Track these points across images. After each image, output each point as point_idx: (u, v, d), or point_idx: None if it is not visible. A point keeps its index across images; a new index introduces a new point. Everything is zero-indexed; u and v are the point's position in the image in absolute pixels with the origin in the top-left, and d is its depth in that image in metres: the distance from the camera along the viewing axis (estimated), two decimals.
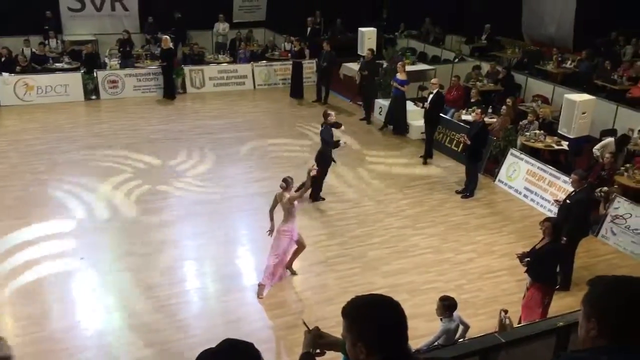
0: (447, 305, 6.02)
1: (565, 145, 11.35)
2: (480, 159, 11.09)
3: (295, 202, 7.59)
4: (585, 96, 11.14)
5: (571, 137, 10.82)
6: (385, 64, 15.72)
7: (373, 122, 14.67)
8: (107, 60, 16.85)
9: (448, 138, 12.77)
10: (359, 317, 2.22)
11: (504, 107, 12.66)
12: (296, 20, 19.31)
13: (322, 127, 10.41)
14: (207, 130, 13.75)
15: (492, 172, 11.60)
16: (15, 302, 7.42)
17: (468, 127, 11.57)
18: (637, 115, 12.48)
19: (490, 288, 8.01)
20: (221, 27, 19.43)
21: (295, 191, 7.70)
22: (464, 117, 12.99)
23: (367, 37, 15.41)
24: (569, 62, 16.65)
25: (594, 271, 8.20)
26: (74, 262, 8.32)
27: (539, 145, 11.54)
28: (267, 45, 19.43)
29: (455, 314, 6.08)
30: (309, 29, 19.66)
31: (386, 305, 2.22)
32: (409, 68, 14.65)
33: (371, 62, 14.75)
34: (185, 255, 8.71)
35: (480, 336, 5.00)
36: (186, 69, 16.88)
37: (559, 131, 11.19)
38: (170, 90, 16.08)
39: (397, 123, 13.91)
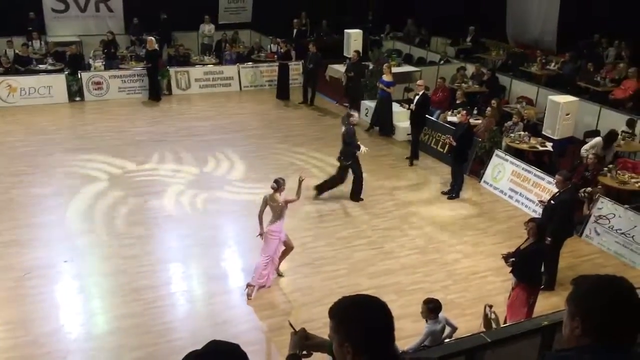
0: (431, 308, 6.04)
1: (549, 146, 11.45)
2: (465, 160, 11.16)
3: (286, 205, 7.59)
4: (569, 98, 11.26)
5: (555, 138, 10.93)
6: (371, 66, 15.76)
7: (359, 123, 14.67)
8: (91, 61, 16.72)
9: (434, 139, 12.82)
10: (346, 317, 2.22)
11: (488, 108, 12.74)
12: (282, 21, 19.31)
13: (344, 127, 10.37)
14: (193, 132, 13.69)
15: (478, 173, 11.67)
16: None
17: (453, 128, 11.64)
18: (620, 116, 12.62)
19: (476, 288, 8.05)
20: (207, 28, 19.37)
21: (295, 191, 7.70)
22: (449, 118, 13.06)
23: (353, 38, 15.46)
24: (553, 64, 16.80)
25: (578, 271, 8.26)
26: (57, 265, 8.23)
27: (524, 146, 11.63)
28: (253, 46, 19.40)
29: (440, 315, 6.10)
30: (295, 30, 19.67)
31: (373, 306, 2.23)
32: (394, 70, 14.70)
33: (357, 64, 14.79)
34: (170, 257, 8.66)
35: (466, 336, 5.02)
36: (172, 70, 16.80)
37: (543, 132, 11.30)
38: (156, 92, 15.99)
39: (383, 124, 13.95)
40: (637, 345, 2.14)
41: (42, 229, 9.18)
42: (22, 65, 16.06)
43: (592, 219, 9.44)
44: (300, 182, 7.84)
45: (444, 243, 9.27)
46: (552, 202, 8.09)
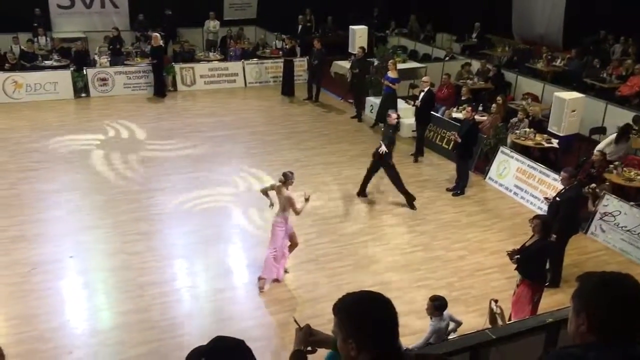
0: (437, 305, 6.04)
1: (555, 143, 11.42)
2: (470, 156, 11.13)
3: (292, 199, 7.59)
4: (575, 94, 11.21)
5: (561, 135, 10.90)
6: (376, 62, 15.74)
7: (364, 120, 14.69)
8: (96, 57, 16.74)
9: (439, 136, 12.80)
10: (350, 313, 2.22)
11: (494, 105, 12.71)
12: (287, 18, 19.28)
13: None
14: (198, 129, 13.70)
15: (483, 170, 11.65)
16: (4, 301, 7.36)
17: (459, 125, 11.61)
18: (626, 113, 12.55)
19: (481, 285, 8.04)
20: (212, 24, 19.36)
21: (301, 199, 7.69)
22: (454, 115, 13.03)
23: (358, 35, 15.43)
24: (559, 60, 16.72)
25: (583, 268, 8.25)
26: (63, 260, 8.27)
27: (529, 143, 11.60)
28: (258, 43, 19.39)
29: (445, 312, 6.10)
30: (300, 26, 19.65)
31: (377, 302, 2.23)
32: (400, 66, 14.67)
33: (362, 60, 14.76)
34: (175, 253, 8.68)
35: (471, 333, 5.02)
36: (177, 66, 16.81)
37: (548, 129, 11.27)
38: (161, 88, 16.01)
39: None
40: None
41: (47, 225, 9.22)
42: (27, 62, 16.10)
43: (597, 216, 9.41)
44: (306, 200, 7.69)
45: (449, 240, 9.25)
46: (557, 199, 8.07)
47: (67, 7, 18.84)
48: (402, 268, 8.40)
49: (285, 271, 8.13)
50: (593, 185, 9.54)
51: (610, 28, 17.19)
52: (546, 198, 8.81)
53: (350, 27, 16.02)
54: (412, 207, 10.14)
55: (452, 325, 6.16)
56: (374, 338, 2.16)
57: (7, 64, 15.43)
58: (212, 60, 17.70)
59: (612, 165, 10.25)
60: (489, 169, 11.50)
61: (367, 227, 9.55)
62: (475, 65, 16.39)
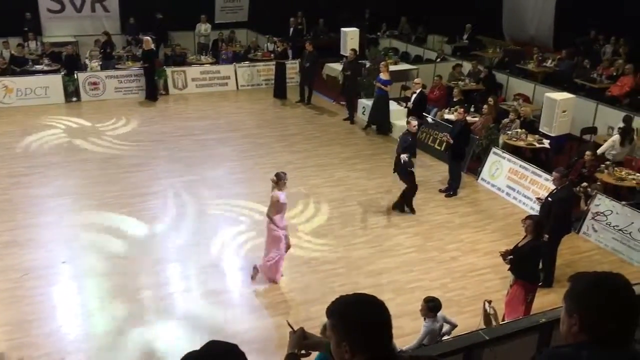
0: (431, 307, 6.04)
1: (546, 143, 11.47)
2: (462, 157, 11.16)
3: (283, 200, 7.59)
4: (566, 95, 11.27)
5: (552, 135, 10.95)
6: (368, 64, 15.76)
7: (356, 122, 14.70)
8: (87, 61, 16.69)
9: (431, 137, 12.83)
10: (343, 316, 2.22)
11: (485, 106, 12.75)
12: (278, 20, 19.28)
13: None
14: (190, 132, 13.67)
15: (475, 171, 11.68)
16: None
17: (450, 126, 11.65)
18: (616, 113, 12.62)
19: (475, 286, 8.06)
20: (203, 27, 19.34)
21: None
22: (446, 116, 13.06)
23: (350, 37, 15.45)
24: (550, 61, 16.80)
25: (576, 268, 8.28)
26: (55, 266, 8.22)
27: (521, 143, 11.64)
28: (250, 46, 19.38)
29: (439, 314, 6.10)
30: (291, 29, 19.66)
31: (371, 305, 2.23)
32: (391, 68, 14.70)
33: (354, 62, 14.78)
34: (168, 257, 8.64)
35: (465, 334, 5.03)
36: (168, 70, 16.77)
37: (540, 129, 11.32)
38: (152, 92, 15.96)
39: (380, 123, 13.95)
40: (634, 341, 2.15)
41: (39, 230, 9.16)
42: (18, 66, 16.02)
43: (589, 215, 9.46)
44: (287, 247, 7.87)
45: (442, 241, 9.27)
46: (549, 199, 8.10)
47: (57, 12, 18.76)
48: (396, 269, 8.40)
49: (256, 273, 8.09)
50: (585, 184, 9.59)
51: (600, 28, 17.30)
52: (538, 198, 8.84)
53: (342, 29, 16.04)
54: (400, 209, 10.12)
55: (446, 327, 6.17)
56: (367, 341, 2.16)
57: None
58: (203, 64, 17.67)
59: (603, 165, 10.31)
60: (481, 170, 11.53)
61: (360, 229, 9.55)
62: (467, 66, 16.45)
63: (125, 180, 10.99)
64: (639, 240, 8.79)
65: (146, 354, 6.61)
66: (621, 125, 11.63)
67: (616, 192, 9.97)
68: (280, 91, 16.50)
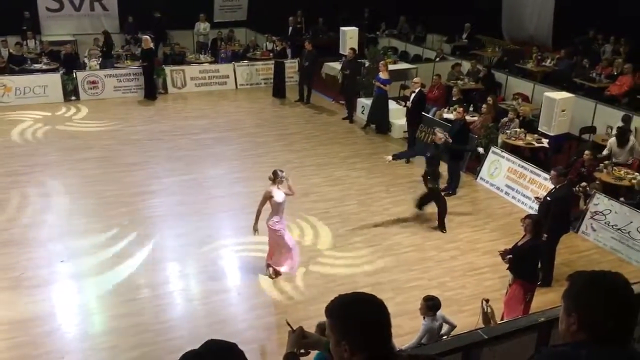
0: (430, 305, 6.04)
1: (545, 142, 11.47)
2: (461, 157, 11.16)
3: (279, 200, 7.58)
4: (565, 94, 11.27)
5: (551, 134, 10.95)
6: (367, 63, 15.76)
7: (355, 121, 14.70)
8: (86, 60, 16.67)
9: (430, 137, 12.82)
10: (342, 315, 2.22)
11: (484, 105, 12.75)
12: (277, 19, 19.26)
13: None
14: (189, 131, 13.67)
15: (474, 170, 11.68)
16: None
17: (449, 125, 11.65)
18: (615, 112, 12.63)
19: (474, 285, 8.07)
20: (202, 26, 19.31)
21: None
22: (445, 115, 13.06)
23: (349, 36, 15.45)
24: (549, 60, 16.81)
25: (574, 267, 8.29)
26: (54, 265, 8.22)
27: (520, 143, 11.65)
28: (249, 45, 19.36)
29: (438, 313, 6.11)
30: (290, 28, 19.64)
31: (370, 303, 2.23)
32: (390, 67, 14.70)
33: (353, 62, 14.78)
34: (168, 256, 8.64)
35: (463, 333, 5.03)
36: (167, 69, 16.76)
37: (539, 129, 11.32)
38: (151, 91, 15.95)
39: (379, 122, 13.95)
40: (633, 340, 2.15)
41: (38, 229, 9.15)
42: (16, 65, 16.00)
43: (588, 214, 9.47)
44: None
45: (441, 240, 9.28)
46: (548, 198, 8.11)
47: (56, 10, 18.73)
48: (395, 269, 8.40)
49: (277, 274, 8.10)
50: (584, 184, 9.59)
51: (599, 28, 17.30)
52: (537, 198, 8.84)
53: (341, 28, 16.05)
54: (442, 228, 9.59)
55: (446, 327, 6.17)
56: (366, 340, 2.16)
57: None
58: (202, 63, 17.66)
59: (602, 165, 10.32)
60: (480, 169, 11.54)
61: (358, 228, 9.55)
62: (466, 65, 16.45)
63: (124, 179, 10.99)
64: (637, 240, 8.79)
65: (145, 353, 6.60)
66: (620, 124, 11.64)
67: (617, 192, 9.97)
68: (279, 90, 16.49)
